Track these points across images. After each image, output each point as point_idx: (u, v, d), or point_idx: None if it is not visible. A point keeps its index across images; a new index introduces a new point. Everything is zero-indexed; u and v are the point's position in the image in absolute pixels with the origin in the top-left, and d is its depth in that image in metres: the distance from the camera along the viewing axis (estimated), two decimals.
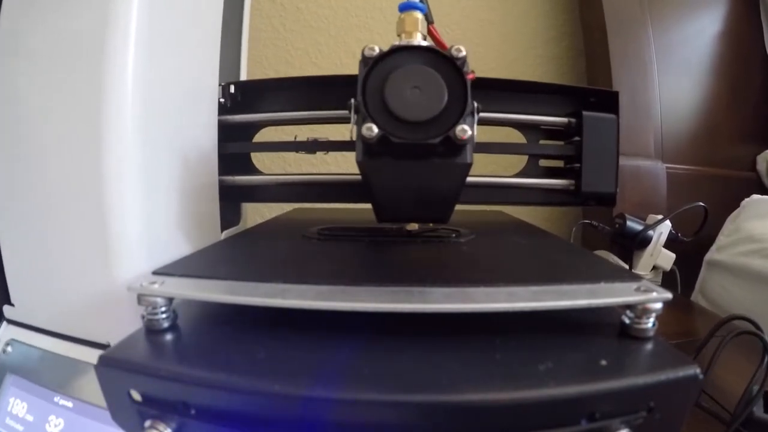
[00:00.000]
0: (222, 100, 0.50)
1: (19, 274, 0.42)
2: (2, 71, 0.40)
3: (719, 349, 0.43)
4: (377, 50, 0.30)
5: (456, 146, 0.29)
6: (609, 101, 0.53)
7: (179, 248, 0.41)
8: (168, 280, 0.27)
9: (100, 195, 0.35)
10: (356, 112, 0.30)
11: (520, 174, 0.55)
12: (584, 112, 0.51)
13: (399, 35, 0.33)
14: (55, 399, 0.38)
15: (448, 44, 0.32)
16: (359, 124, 0.29)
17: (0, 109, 0.40)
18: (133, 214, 0.36)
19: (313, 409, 0.21)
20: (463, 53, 0.29)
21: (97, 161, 0.35)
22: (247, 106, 0.53)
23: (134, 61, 0.35)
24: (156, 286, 0.26)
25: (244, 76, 0.62)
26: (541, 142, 0.55)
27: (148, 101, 0.37)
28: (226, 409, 0.22)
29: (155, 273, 0.28)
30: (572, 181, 0.53)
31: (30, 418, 0.39)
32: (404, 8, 0.34)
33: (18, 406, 0.40)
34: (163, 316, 0.26)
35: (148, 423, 0.23)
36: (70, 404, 0.38)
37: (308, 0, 0.94)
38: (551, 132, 0.55)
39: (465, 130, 0.28)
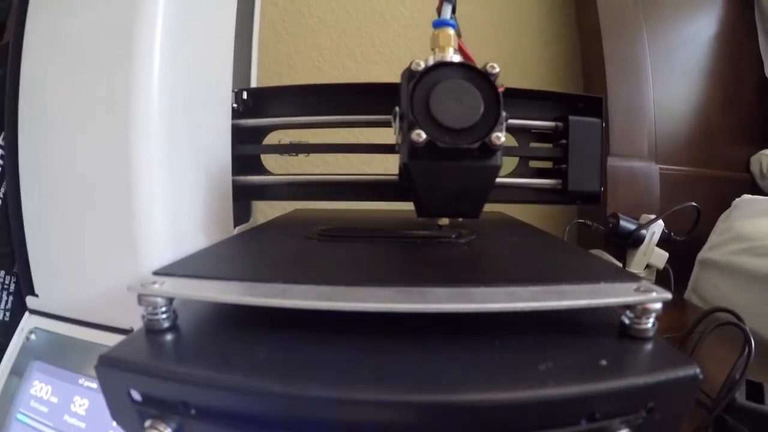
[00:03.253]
0: (235, 105, 0.54)
1: (45, 266, 0.43)
2: (32, 69, 0.42)
3: (702, 338, 0.44)
4: (423, 65, 0.34)
5: (490, 150, 0.33)
6: (594, 106, 0.56)
7: (198, 241, 0.43)
8: (168, 280, 0.27)
9: (128, 189, 0.37)
10: (401, 119, 0.35)
11: (512, 174, 0.59)
12: (570, 117, 0.55)
13: (432, 49, 0.37)
14: (80, 381, 0.39)
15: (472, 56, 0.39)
16: (405, 130, 0.33)
17: (30, 106, 0.42)
18: (159, 206, 0.38)
19: (313, 409, 0.21)
20: (497, 69, 0.34)
21: (126, 156, 0.37)
22: (258, 111, 0.56)
23: (160, 64, 0.38)
24: (156, 286, 0.26)
25: (254, 82, 0.65)
26: (531, 144, 0.58)
27: (172, 103, 0.39)
28: (226, 409, 0.22)
29: (155, 273, 0.28)
30: (560, 181, 0.57)
31: (54, 399, 0.40)
32: (438, 25, 0.38)
33: (42, 389, 0.41)
34: (163, 316, 0.26)
35: (148, 423, 0.23)
36: (94, 385, 0.39)
37: (310, 4, 0.93)
38: (540, 135, 0.59)
39: (499, 137, 0.32)
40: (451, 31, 0.37)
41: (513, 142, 0.58)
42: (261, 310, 0.25)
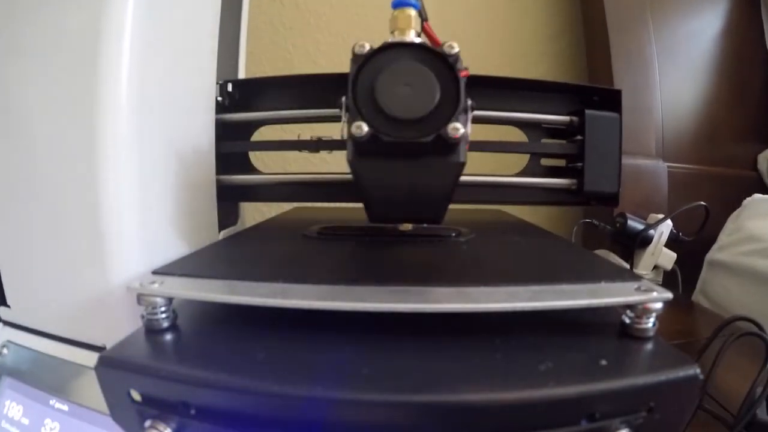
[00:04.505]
0: (219, 98, 0.50)
1: (15, 276, 0.41)
2: None
3: (722, 351, 0.42)
4: (368, 47, 0.29)
5: (448, 144, 0.28)
6: (611, 99, 0.52)
7: (176, 249, 0.41)
8: (168, 280, 0.27)
9: (95, 195, 0.34)
10: (347, 110, 0.30)
11: (522, 173, 0.55)
12: (587, 111, 0.51)
13: (392, 32, 0.33)
14: (51, 402, 0.38)
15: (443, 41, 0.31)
16: (349, 122, 0.29)
17: None
18: (128, 215, 0.36)
19: (313, 409, 0.21)
20: (456, 49, 0.29)
21: (92, 161, 0.34)
22: (245, 104, 0.52)
23: (129, 59, 0.35)
24: (155, 285, 0.26)
25: (242, 74, 0.61)
26: (543, 140, 0.55)
27: (143, 100, 0.36)
28: (226, 409, 0.22)
29: (155, 273, 0.28)
30: (574, 181, 0.53)
31: (26, 421, 0.39)
32: (397, 5, 0.33)
33: (14, 409, 0.39)
34: (163, 315, 0.26)
35: (148, 423, 0.23)
36: (65, 407, 0.37)
37: None
38: (553, 131, 0.55)
39: (457, 128, 0.28)
40: (412, 12, 0.33)
41: (523, 138, 0.55)
42: (261, 310, 0.25)
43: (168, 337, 0.26)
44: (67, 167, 0.36)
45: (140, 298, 0.25)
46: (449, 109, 0.28)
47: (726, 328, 0.46)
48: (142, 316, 0.26)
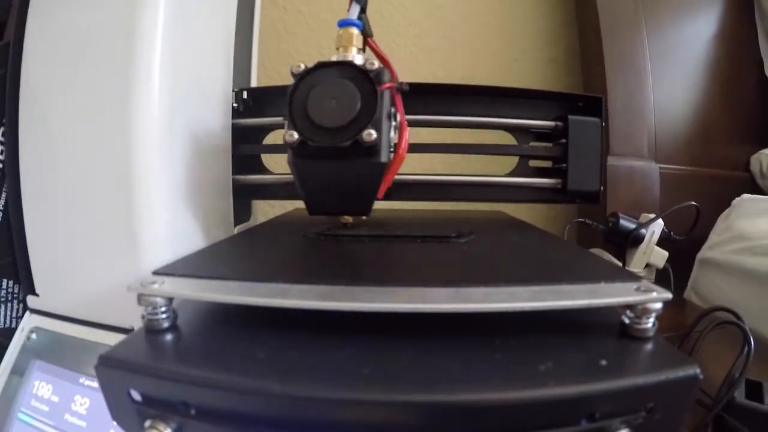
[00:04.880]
0: (235, 104, 0.54)
1: (45, 265, 0.43)
2: (33, 69, 0.42)
3: (701, 337, 0.44)
4: (303, 66, 0.35)
5: (366, 147, 0.33)
6: (594, 106, 0.56)
7: (198, 241, 0.44)
8: (168, 280, 0.27)
9: (129, 188, 0.37)
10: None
11: (512, 173, 0.59)
12: (570, 116, 0.55)
13: (337, 49, 0.37)
14: (81, 380, 0.39)
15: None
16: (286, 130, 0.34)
17: (31, 106, 0.42)
18: (159, 208, 0.38)
19: (313, 409, 0.21)
20: (376, 66, 0.34)
21: (126, 155, 0.37)
22: (258, 110, 0.56)
23: (161, 63, 0.38)
24: (156, 285, 0.26)
25: (254, 81, 0.65)
26: (531, 143, 0.59)
27: (172, 101, 0.39)
28: (226, 409, 0.22)
29: (155, 273, 0.28)
30: (559, 180, 0.57)
31: (55, 398, 0.40)
32: (342, 24, 0.38)
33: (43, 388, 0.41)
34: (163, 316, 0.26)
35: (148, 423, 0.23)
36: (95, 384, 0.38)
37: (310, 3, 0.93)
38: (540, 134, 0.59)
39: (371, 133, 0.32)
40: (354, 31, 0.37)
41: (513, 141, 0.58)
42: (261, 310, 0.25)
43: (168, 337, 0.26)
44: (101, 161, 0.38)
45: (140, 298, 0.25)
46: (367, 118, 0.33)
47: (706, 318, 0.47)
48: (143, 317, 0.26)
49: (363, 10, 0.39)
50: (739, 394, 0.39)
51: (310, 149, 0.33)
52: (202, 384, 0.22)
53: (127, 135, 0.37)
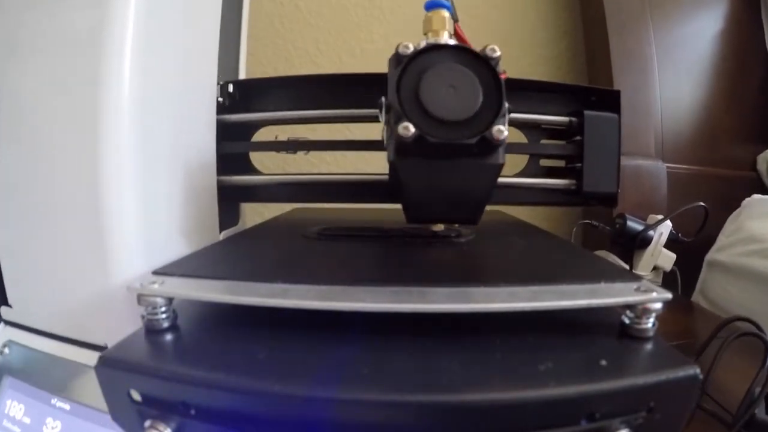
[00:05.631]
0: (220, 99, 0.50)
1: (17, 276, 0.42)
2: (1, 68, 0.39)
3: (721, 350, 0.42)
4: (411, 48, 0.29)
5: (491, 146, 0.29)
6: (610, 100, 0.53)
7: (178, 249, 0.41)
8: (168, 280, 0.27)
9: (97, 195, 0.35)
10: (387, 111, 0.30)
11: (521, 174, 0.55)
12: (585, 112, 0.51)
13: (425, 34, 0.33)
14: (53, 401, 0.38)
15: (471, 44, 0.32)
16: (392, 123, 0.29)
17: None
18: (130, 215, 0.36)
19: (313, 409, 0.21)
20: (498, 53, 0.29)
21: (94, 161, 0.34)
22: (246, 105, 0.53)
23: (131, 60, 0.35)
24: (156, 285, 0.26)
25: (243, 75, 0.61)
26: (542, 141, 0.55)
27: (145, 100, 0.37)
28: (226, 409, 0.22)
29: (155, 273, 0.28)
30: (573, 181, 0.53)
31: (27, 420, 0.39)
32: (431, 7, 0.34)
33: (15, 408, 0.39)
34: (163, 316, 0.26)
35: (148, 423, 0.23)
36: (67, 406, 0.38)
37: None
38: (552, 131, 0.55)
39: (501, 130, 0.28)
40: (445, 13, 0.33)
41: (522, 139, 0.55)
42: (261, 310, 0.25)
43: (168, 337, 0.26)
44: (69, 167, 0.36)
45: (140, 298, 0.25)
46: (492, 112, 0.28)
47: (725, 329, 0.46)
48: (143, 317, 0.26)
49: None
50: (760, 411, 0.38)
51: (421, 146, 0.28)
52: (202, 384, 0.22)
53: (95, 137, 0.34)
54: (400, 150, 0.29)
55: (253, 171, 0.56)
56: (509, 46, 1.02)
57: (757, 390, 0.38)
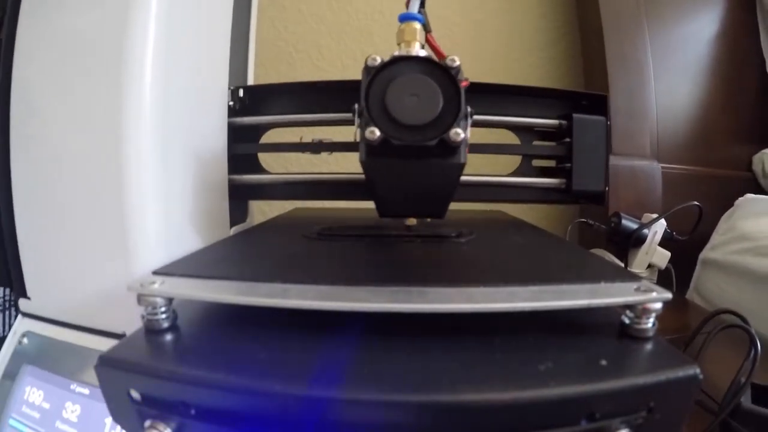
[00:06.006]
0: (231, 103, 0.53)
1: (37, 268, 0.43)
2: (24, 70, 0.41)
3: (707, 341, 0.43)
4: (379, 60, 0.32)
5: (450, 147, 0.31)
6: (599, 104, 0.55)
7: (192, 243, 0.43)
8: (168, 280, 0.27)
9: (120, 190, 0.36)
10: (359, 116, 0.32)
11: (515, 173, 0.58)
12: (574, 115, 0.54)
13: (399, 44, 0.35)
14: (72, 386, 0.39)
15: (444, 51, 0.36)
16: (362, 127, 0.31)
17: (21, 107, 0.41)
18: (151, 210, 0.37)
19: (313, 409, 0.21)
20: (457, 63, 0.32)
21: (117, 158, 0.36)
22: (255, 108, 0.55)
23: (152, 63, 0.37)
24: (156, 285, 0.26)
25: (251, 80, 0.64)
26: (534, 143, 0.58)
27: (165, 102, 0.38)
28: (226, 409, 0.22)
29: (155, 273, 0.28)
30: (563, 180, 0.56)
31: (46, 405, 0.40)
32: (404, 19, 0.36)
33: (34, 394, 0.40)
34: (163, 316, 0.26)
35: (148, 423, 0.23)
36: (86, 391, 0.38)
37: (310, 2, 0.93)
38: (544, 133, 0.58)
39: (458, 132, 0.30)
40: (417, 25, 0.36)
41: (515, 140, 0.58)
42: (261, 310, 0.25)
43: (168, 337, 0.26)
44: (92, 163, 0.38)
45: (140, 298, 0.25)
46: (451, 116, 0.31)
47: (711, 321, 0.47)
48: (142, 317, 0.26)
49: (422, 4, 0.38)
50: (746, 399, 0.38)
51: (387, 148, 0.31)
52: (202, 384, 0.22)
53: (117, 136, 0.36)
54: (369, 151, 0.32)
55: (261, 171, 0.58)
56: (510, 48, 1.03)
57: (743, 379, 0.39)
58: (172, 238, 0.40)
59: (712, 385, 0.42)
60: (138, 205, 0.37)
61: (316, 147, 0.54)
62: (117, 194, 0.36)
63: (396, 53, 0.33)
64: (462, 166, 0.33)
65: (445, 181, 0.36)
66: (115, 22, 0.37)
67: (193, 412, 0.23)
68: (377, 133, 0.30)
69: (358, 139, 0.33)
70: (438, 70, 0.32)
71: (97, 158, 0.37)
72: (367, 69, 0.32)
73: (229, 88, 0.52)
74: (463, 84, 0.32)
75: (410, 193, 0.37)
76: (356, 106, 0.33)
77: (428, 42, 0.38)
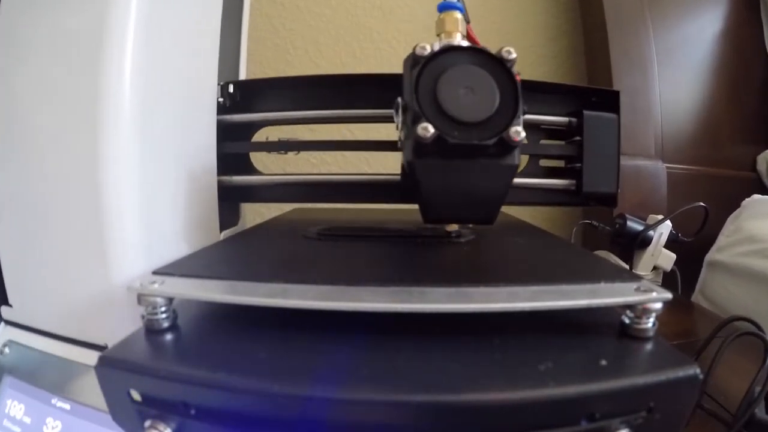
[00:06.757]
0: (221, 99, 0.50)
1: (17, 275, 0.41)
2: (3, 75, 0.39)
3: (721, 350, 0.42)
4: (429, 49, 0.29)
5: (508, 148, 0.29)
6: (610, 100, 0.53)
7: (178, 249, 0.41)
8: (168, 280, 0.27)
9: (98, 195, 0.35)
10: (404, 111, 0.30)
11: (521, 174, 0.55)
12: (585, 112, 0.51)
13: (438, 35, 0.33)
14: (53, 401, 0.38)
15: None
16: (410, 124, 0.29)
17: (0, 111, 0.39)
18: (131, 215, 0.36)
19: (313, 409, 0.21)
20: (514, 55, 0.30)
21: (94, 162, 0.34)
22: (246, 105, 0.53)
23: (132, 60, 0.35)
24: (156, 285, 0.26)
25: (243, 76, 0.62)
26: (542, 141, 0.55)
27: (146, 100, 0.37)
28: (226, 409, 0.22)
29: (155, 273, 0.28)
30: (573, 181, 0.53)
31: (27, 420, 0.39)
32: (443, 8, 0.34)
33: (16, 407, 0.39)
34: (163, 316, 0.26)
35: (148, 423, 0.23)
36: (67, 406, 0.37)
37: None
38: (552, 132, 0.55)
39: (518, 131, 0.28)
40: (458, 15, 0.33)
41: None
42: (261, 310, 0.25)
43: (168, 337, 0.26)
44: (70, 167, 0.36)
45: (140, 298, 0.25)
46: (509, 113, 0.29)
47: (724, 328, 0.46)
48: (143, 316, 0.26)
49: None
50: (760, 410, 0.38)
51: (439, 147, 0.28)
52: (202, 384, 0.22)
53: (94, 138, 0.34)
54: (418, 150, 0.29)
55: (254, 171, 0.56)
56: (511, 45, 1.02)
57: (757, 389, 0.38)
58: (155, 243, 0.38)
59: (725, 394, 0.41)
60: (116, 209, 0.35)
61: (293, 146, 0.52)
62: (95, 198, 0.35)
63: (437, 45, 0.30)
64: (516, 167, 0.31)
65: (498, 184, 0.32)
66: (94, 17, 0.35)
67: (193, 412, 0.23)
68: (431, 129, 0.27)
69: (401, 138, 0.31)
70: (493, 62, 0.29)
71: (76, 162, 0.35)
72: (415, 58, 0.29)
73: (218, 84, 0.50)
74: (517, 78, 0.30)
75: (459, 197, 0.33)
76: (399, 100, 0.31)
77: (467, 35, 0.36)
